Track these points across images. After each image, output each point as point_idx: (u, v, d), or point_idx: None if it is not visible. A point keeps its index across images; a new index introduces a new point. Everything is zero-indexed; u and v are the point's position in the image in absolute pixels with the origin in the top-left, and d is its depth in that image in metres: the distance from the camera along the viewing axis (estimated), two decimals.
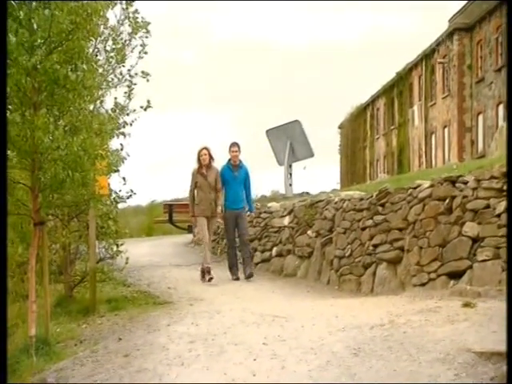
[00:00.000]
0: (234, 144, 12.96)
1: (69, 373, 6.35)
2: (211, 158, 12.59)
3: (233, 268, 12.75)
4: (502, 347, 5.19)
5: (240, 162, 12.97)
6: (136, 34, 8.10)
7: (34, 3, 7.20)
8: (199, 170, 12.52)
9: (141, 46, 8.17)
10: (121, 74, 8.21)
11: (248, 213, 13.42)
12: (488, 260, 8.27)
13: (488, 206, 8.43)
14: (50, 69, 7.08)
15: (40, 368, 6.76)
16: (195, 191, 12.61)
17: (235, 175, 12.81)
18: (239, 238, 12.87)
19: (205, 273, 12.31)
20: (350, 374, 5.30)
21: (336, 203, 12.30)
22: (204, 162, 12.46)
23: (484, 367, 5.14)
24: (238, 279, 12.44)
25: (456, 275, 8.80)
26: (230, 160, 12.93)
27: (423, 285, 9.34)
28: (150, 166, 74.48)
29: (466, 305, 7.29)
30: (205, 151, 12.49)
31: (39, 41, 7.25)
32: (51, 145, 7.11)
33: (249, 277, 12.41)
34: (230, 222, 12.75)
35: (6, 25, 6.82)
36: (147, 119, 9.19)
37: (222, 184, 12.64)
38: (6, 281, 6.54)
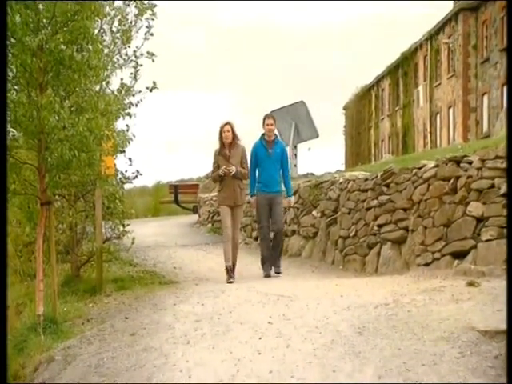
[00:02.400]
0: (269, 116, 11.05)
1: (76, 351, 6.42)
2: (235, 135, 10.66)
3: (266, 263, 10.86)
4: (506, 326, 5.24)
5: (276, 137, 11.07)
6: (142, 15, 8.10)
7: None
8: (221, 151, 10.63)
9: (146, 27, 8.18)
10: (126, 54, 8.23)
11: (286, 198, 11.36)
12: (492, 239, 8.29)
13: (493, 186, 8.44)
14: (55, 49, 7.13)
15: (48, 346, 6.85)
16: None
17: (270, 153, 10.81)
18: (271, 227, 10.92)
19: (228, 272, 10.38)
20: (354, 353, 5.34)
21: (341, 184, 12.32)
22: (226, 140, 10.58)
23: (488, 345, 5.18)
24: (269, 276, 10.64)
25: (460, 255, 8.83)
26: (263, 135, 10.94)
27: (427, 264, 9.37)
28: (156, 147, 74.65)
29: (471, 284, 7.32)
30: (227, 127, 10.57)
31: (44, 21, 7.28)
32: (57, 125, 7.17)
33: (277, 272, 10.81)
34: (262, 208, 10.83)
35: (6, 24, 6.84)
36: (153, 100, 9.19)
37: (253, 163, 10.85)
38: (6, 291, 6.57)
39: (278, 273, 10.78)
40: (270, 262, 10.83)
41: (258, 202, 10.88)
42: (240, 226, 11.03)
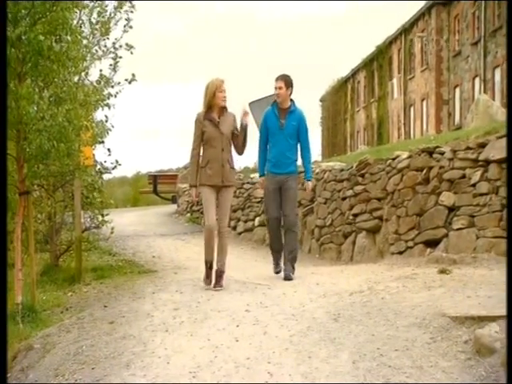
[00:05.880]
0: (277, 77, 8.62)
1: (55, 339, 6.39)
2: None
3: (276, 257, 8.91)
4: (476, 312, 5.39)
5: (292, 103, 8.69)
6: (121, 8, 8.13)
7: None
8: (208, 115, 8.02)
9: (126, 20, 8.20)
10: (105, 46, 8.27)
11: (307, 182, 9.21)
12: (463, 228, 8.47)
13: (464, 176, 8.61)
14: (34, 40, 7.09)
15: (26, 335, 6.80)
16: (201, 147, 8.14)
17: (282, 124, 8.57)
18: (283, 219, 8.75)
19: (206, 270, 8.23)
20: (329, 339, 5.41)
21: (317, 174, 12.43)
22: (221, 103, 8.04)
23: (458, 331, 5.27)
24: (279, 272, 8.72)
25: (432, 243, 9.00)
26: (276, 101, 8.78)
27: (401, 253, 9.54)
28: (135, 137, 74.27)
29: (442, 271, 7.46)
30: (224, 86, 8.05)
31: (23, 11, 7.28)
32: (36, 115, 7.16)
33: (286, 278, 8.38)
34: (270, 193, 8.64)
35: (6, 24, 6.84)
36: (132, 91, 9.22)
37: (263, 136, 8.72)
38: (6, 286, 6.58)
39: (289, 278, 8.39)
40: (281, 255, 8.81)
41: (266, 186, 8.75)
42: (229, 214, 8.42)
